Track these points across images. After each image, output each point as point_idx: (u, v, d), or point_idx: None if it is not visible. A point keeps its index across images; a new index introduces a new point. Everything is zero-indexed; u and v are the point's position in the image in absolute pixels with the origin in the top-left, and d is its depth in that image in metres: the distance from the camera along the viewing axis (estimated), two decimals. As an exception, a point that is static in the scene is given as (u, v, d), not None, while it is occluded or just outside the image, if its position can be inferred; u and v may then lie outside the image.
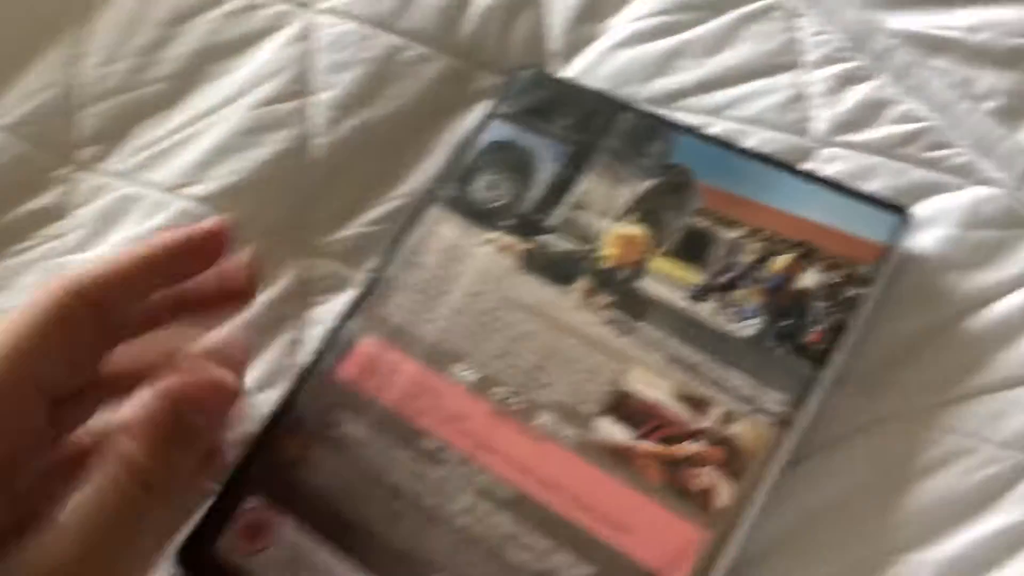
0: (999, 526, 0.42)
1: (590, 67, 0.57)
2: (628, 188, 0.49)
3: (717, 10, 0.57)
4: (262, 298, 0.52)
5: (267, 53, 0.61)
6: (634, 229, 0.48)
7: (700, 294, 0.46)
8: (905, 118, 0.51)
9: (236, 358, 0.43)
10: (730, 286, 0.46)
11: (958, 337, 0.46)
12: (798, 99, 0.53)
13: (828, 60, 0.53)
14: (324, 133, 0.57)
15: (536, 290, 0.48)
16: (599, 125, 0.51)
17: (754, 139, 0.52)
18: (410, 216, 0.51)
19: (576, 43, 0.59)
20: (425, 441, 0.45)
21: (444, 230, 0.50)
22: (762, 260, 0.46)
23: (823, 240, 0.46)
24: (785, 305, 0.45)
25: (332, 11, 0.61)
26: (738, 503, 0.42)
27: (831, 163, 0.51)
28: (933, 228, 0.48)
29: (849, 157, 0.51)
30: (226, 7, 0.63)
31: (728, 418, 0.43)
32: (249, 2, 0.63)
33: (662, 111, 0.53)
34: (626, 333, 0.46)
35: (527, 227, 0.49)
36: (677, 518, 0.42)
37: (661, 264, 0.47)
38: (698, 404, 0.44)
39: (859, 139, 0.51)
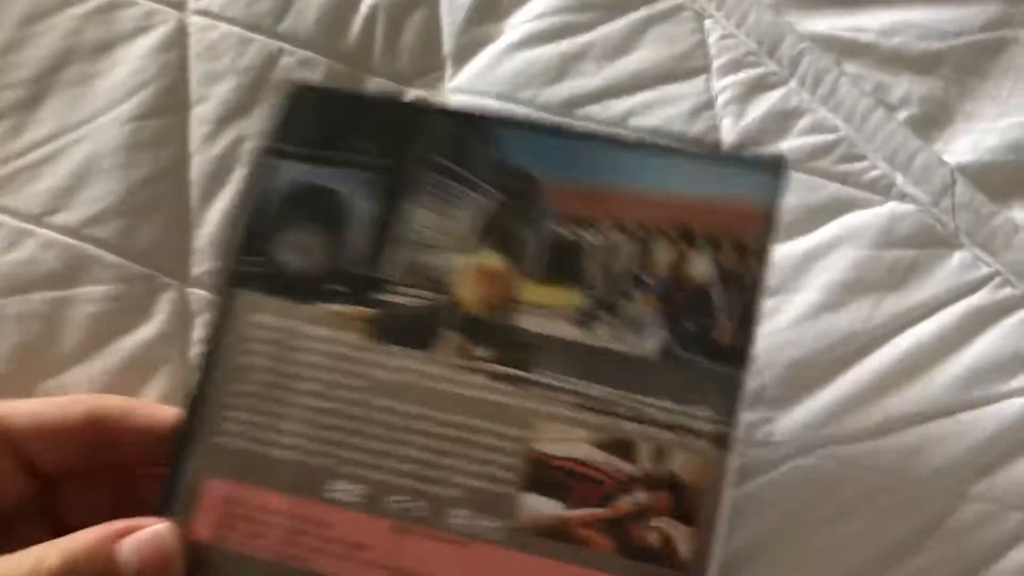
0: (921, 566, 0.40)
1: (483, 71, 0.53)
2: (465, 210, 0.41)
3: (620, 10, 0.53)
4: (140, 334, 0.47)
5: (136, 59, 0.56)
6: (489, 259, 0.41)
7: (587, 318, 0.39)
8: (817, 128, 0.48)
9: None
10: (617, 301, 0.40)
11: (871, 368, 0.44)
12: (706, 107, 0.50)
13: (736, 65, 0.50)
14: (201, 150, 0.52)
15: (396, 364, 0.39)
16: (405, 139, 0.42)
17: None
18: (215, 312, 0.41)
19: (470, 45, 0.55)
20: None
21: (261, 318, 0.40)
22: (643, 261, 0.40)
23: (700, 218, 0.40)
24: (683, 306, 0.39)
25: (206, 12, 0.56)
26: (701, 546, 0.36)
27: (741, 177, 0.48)
28: (841, 249, 0.45)
29: (759, 171, 0.48)
30: (89, 4, 0.58)
31: (660, 455, 0.37)
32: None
33: (487, 105, 0.47)
34: (519, 386, 0.38)
35: (359, 288, 0.41)
36: None
37: (533, 293, 0.40)
38: (623, 448, 0.38)
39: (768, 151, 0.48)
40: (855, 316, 0.44)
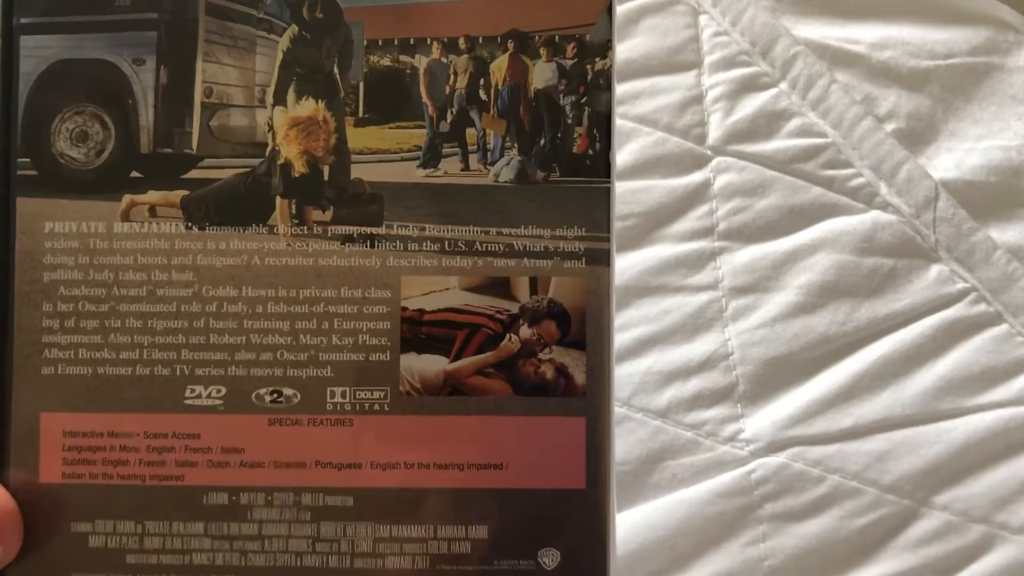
0: (878, 574, 0.40)
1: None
2: (260, 55, 0.36)
3: (615, -2, 0.53)
4: None
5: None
6: (304, 106, 0.36)
7: (429, 155, 0.35)
8: (804, 132, 0.48)
9: None
10: (459, 128, 0.36)
11: (844, 372, 0.43)
12: (695, 101, 0.49)
13: (728, 63, 0.50)
14: None
15: (226, 247, 0.35)
16: None
17: (646, 139, 0.48)
18: None
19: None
20: (211, 497, 0.35)
21: (58, 225, 0.35)
22: (478, 76, 0.36)
23: (531, 17, 0.35)
24: (532, 121, 0.35)
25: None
26: (595, 367, 0.35)
27: (724, 173, 0.47)
28: (822, 252, 0.45)
29: (744, 169, 0.47)
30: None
31: (538, 285, 0.35)
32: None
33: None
34: (372, 245, 0.35)
35: (165, 168, 0.35)
36: (544, 421, 0.35)
37: (362, 138, 0.35)
38: (498, 286, 0.35)
39: (754, 150, 0.48)
40: (831, 319, 0.44)
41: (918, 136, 0.48)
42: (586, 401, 0.34)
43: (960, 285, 0.44)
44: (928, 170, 0.47)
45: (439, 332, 0.35)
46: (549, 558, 0.34)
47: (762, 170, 0.47)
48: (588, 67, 0.35)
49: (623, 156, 0.48)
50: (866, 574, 0.40)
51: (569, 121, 0.35)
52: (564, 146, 0.35)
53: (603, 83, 0.35)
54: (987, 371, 0.43)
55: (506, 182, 0.35)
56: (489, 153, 0.36)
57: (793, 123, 0.48)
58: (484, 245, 0.35)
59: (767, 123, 0.48)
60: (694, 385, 0.43)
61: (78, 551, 0.34)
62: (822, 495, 0.41)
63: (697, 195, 0.47)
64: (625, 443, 0.42)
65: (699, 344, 0.44)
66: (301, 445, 0.34)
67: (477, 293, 0.35)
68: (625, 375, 0.44)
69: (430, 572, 0.34)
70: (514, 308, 0.35)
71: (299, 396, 0.35)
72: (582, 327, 0.35)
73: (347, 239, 0.35)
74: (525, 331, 0.35)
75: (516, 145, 0.36)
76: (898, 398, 0.42)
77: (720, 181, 0.47)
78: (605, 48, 0.36)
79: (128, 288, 0.35)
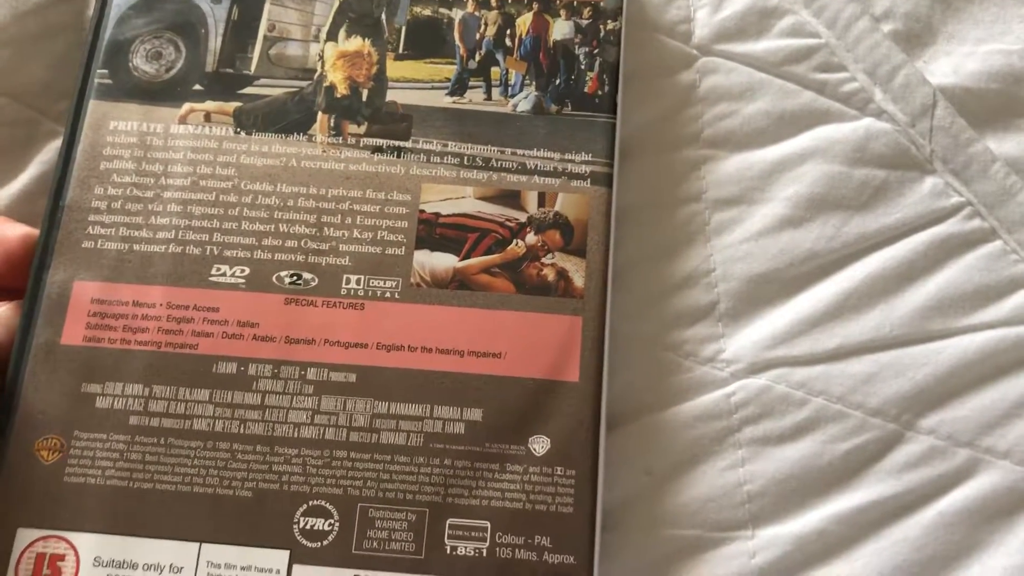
0: (863, 501, 0.38)
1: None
2: (320, 1, 0.42)
3: None
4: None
5: None
6: (351, 43, 0.42)
7: (457, 86, 0.41)
8: (796, 32, 0.45)
9: None
10: (485, 66, 0.41)
11: (831, 290, 0.41)
12: (680, -4, 0.46)
13: (717, -46, 0.46)
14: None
15: (268, 149, 0.40)
16: None
17: (629, 39, 0.44)
18: (69, 124, 0.40)
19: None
20: (220, 366, 0.37)
21: (120, 124, 0.40)
22: (505, 27, 0.42)
23: None
24: (549, 65, 0.42)
25: None
26: (593, 273, 0.39)
27: (711, 75, 0.44)
28: (812, 162, 0.43)
29: (733, 71, 0.44)
30: None
31: (545, 199, 0.40)
32: None
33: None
34: (398, 156, 0.39)
35: (224, 84, 0.41)
36: (543, 317, 0.38)
37: (400, 69, 0.41)
38: (509, 198, 0.40)
39: (743, 50, 0.44)
40: (819, 234, 0.42)
41: (916, 38, 0.45)
42: (584, 303, 0.38)
43: (955, 199, 0.42)
44: (925, 75, 0.44)
45: (452, 234, 0.39)
46: (539, 445, 0.36)
47: (751, 72, 0.44)
48: (601, 26, 0.42)
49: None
50: (848, 499, 0.38)
51: (582, 67, 0.42)
52: (577, 87, 0.41)
53: (613, 39, 0.42)
54: (980, 290, 0.41)
55: (523, 112, 0.41)
56: (510, 88, 0.41)
57: (785, 21, 0.45)
58: (499, 162, 0.40)
59: (757, 21, 0.45)
60: (675, 303, 0.41)
61: (84, 410, 0.36)
62: (805, 418, 0.39)
63: (682, 99, 0.44)
64: (601, 363, 0.40)
65: (681, 260, 0.42)
66: (313, 324, 0.37)
67: (490, 203, 0.40)
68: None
69: (423, 449, 0.36)
70: (522, 217, 0.39)
71: (317, 280, 0.38)
72: (584, 238, 0.39)
73: (376, 150, 0.40)
74: (531, 238, 0.39)
75: (534, 83, 0.41)
76: (887, 318, 0.41)
77: (706, 83, 0.44)
78: (617, 12, 0.43)
79: (174, 179, 0.39)
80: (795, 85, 0.44)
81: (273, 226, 0.38)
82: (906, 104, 0.43)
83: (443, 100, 0.41)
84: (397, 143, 0.40)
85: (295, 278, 0.38)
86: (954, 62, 0.44)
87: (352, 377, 0.36)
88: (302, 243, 0.38)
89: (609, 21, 0.42)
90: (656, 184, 0.43)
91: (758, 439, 0.39)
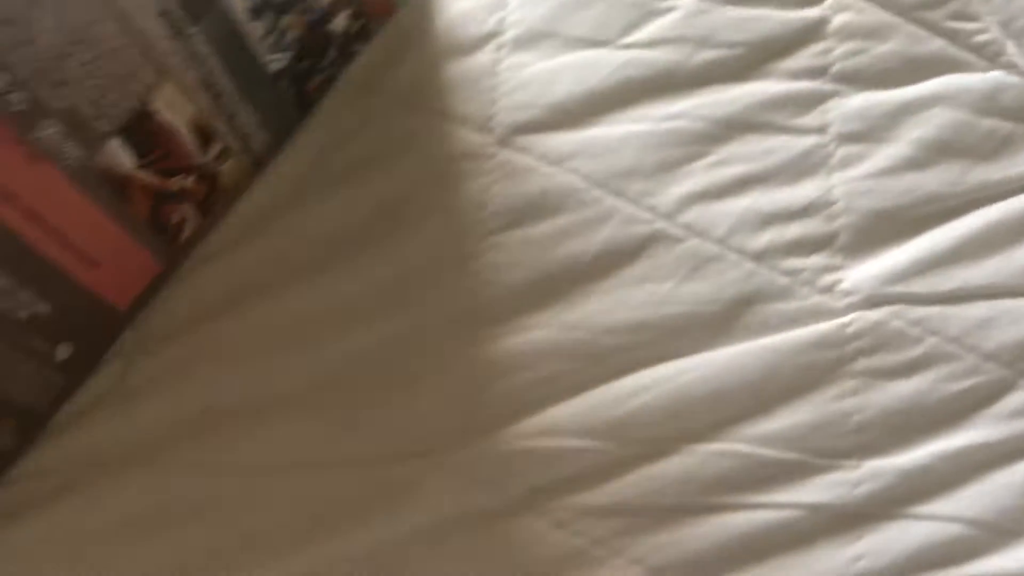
0: (971, 442, 0.38)
1: None
2: None
3: None
4: None
5: None
6: None
7: (259, 8, 0.38)
8: (932, -24, 0.44)
9: None
10: (284, 8, 0.39)
11: (951, 234, 0.41)
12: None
13: None
14: None
15: None
16: None
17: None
18: None
19: None
20: None
21: None
22: None
23: None
24: (313, 45, 0.41)
25: None
26: (201, 233, 0.40)
27: (843, 12, 0.44)
28: (939, 107, 0.42)
29: (864, 10, 0.44)
30: None
31: (224, 155, 0.39)
32: None
33: None
34: (176, 35, 0.35)
35: None
36: (144, 251, 0.38)
37: None
38: (207, 137, 0.39)
39: (877, -8, 0.44)
40: (943, 178, 0.42)
41: (1050, -4, 0.45)
42: (175, 255, 0.40)
43: (1081, 157, 0.42)
44: (1056, 35, 0.44)
45: (150, 139, 0.37)
46: (63, 350, 0.37)
47: (883, 13, 0.44)
48: (355, 44, 0.43)
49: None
50: (955, 439, 0.38)
51: (322, 67, 0.42)
52: (308, 79, 0.42)
53: (350, 61, 0.43)
54: (1099, 248, 0.41)
55: (271, 70, 0.40)
56: (282, 41, 0.40)
57: (921, -36, 0.45)
58: (227, 99, 0.39)
59: (894, -35, 0.45)
60: (794, 230, 0.41)
61: None
62: (919, 355, 0.39)
63: (813, 32, 0.44)
64: (717, 282, 0.40)
65: (802, 188, 0.41)
66: None
67: (193, 132, 0.38)
68: (722, 212, 0.41)
69: None
70: (199, 160, 0.39)
71: (24, 106, 0.32)
72: (215, 203, 0.40)
73: (165, 13, 0.35)
74: (191, 181, 0.39)
75: (295, 52, 0.41)
76: (1005, 266, 0.40)
77: (838, 20, 0.44)
78: (368, 36, 0.43)
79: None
80: (926, 31, 0.44)
81: (21, 18, 0.31)
82: (1038, 60, 0.43)
83: (240, 13, 0.38)
84: (185, 23, 0.36)
85: (8, 89, 0.31)
86: (1085, 25, 0.44)
87: None
88: (38, 59, 0.32)
89: (362, 42, 0.43)
90: (775, 104, 0.42)
91: (871, 371, 0.39)
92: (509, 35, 0.44)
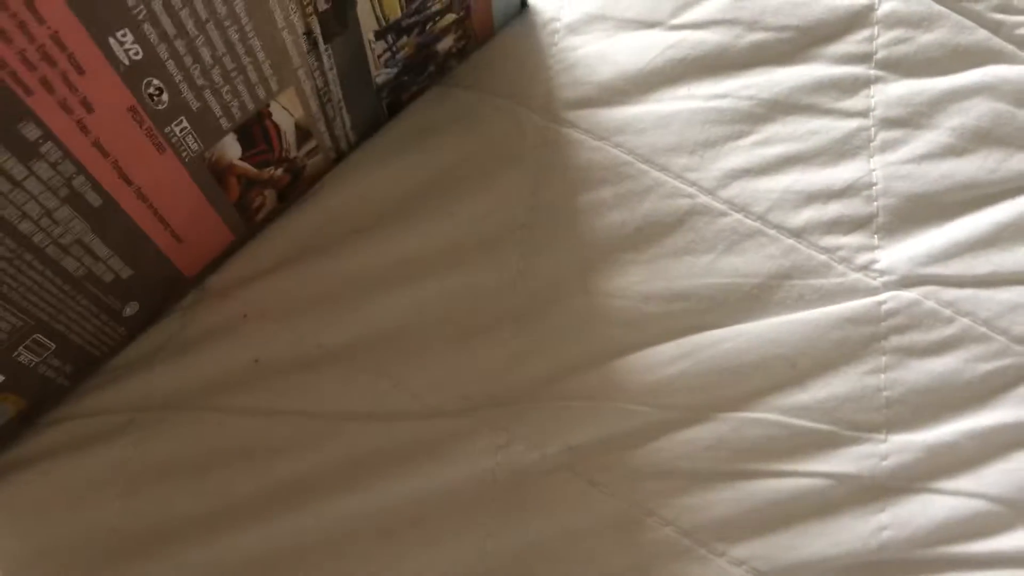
0: (997, 422, 0.39)
1: None
2: None
3: None
4: None
5: None
6: None
7: (384, 31, 0.40)
8: (978, -28, 0.45)
9: None
10: (407, 30, 0.41)
11: (987, 220, 0.42)
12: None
13: None
14: None
15: None
16: None
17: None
18: None
19: None
20: (26, 128, 0.31)
21: None
22: (439, 13, 0.42)
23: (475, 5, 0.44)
24: (417, 62, 0.43)
25: None
26: (267, 217, 0.42)
27: (886, 1, 0.45)
28: (980, 97, 0.43)
29: (911, -1, 0.45)
30: None
31: (313, 152, 0.42)
32: None
33: None
34: (310, 51, 0.38)
35: None
36: (224, 229, 0.41)
37: None
38: (305, 136, 0.41)
39: (921, -16, 0.45)
40: (981, 165, 0.43)
41: (1094, -5, 0.46)
42: (250, 231, 0.41)
43: (1117, 151, 0.43)
44: (1097, 32, 0.45)
45: (260, 134, 0.39)
46: (130, 308, 0.40)
47: (929, 2, 0.45)
48: (450, 62, 0.45)
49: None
50: (983, 418, 0.39)
51: (418, 80, 0.45)
52: (403, 91, 0.44)
53: (441, 76, 0.45)
54: None
55: (376, 83, 0.42)
56: (394, 59, 0.42)
57: (968, -40, 0.46)
58: (331, 108, 0.41)
59: (941, -45, 0.46)
60: (833, 209, 0.42)
61: None
62: (950, 335, 0.40)
63: (859, 18, 0.45)
64: (755, 257, 0.41)
65: (843, 170, 0.42)
66: (123, 141, 0.34)
67: (296, 130, 0.40)
68: (763, 189, 0.42)
69: None
70: (292, 155, 0.41)
71: (165, 106, 0.35)
72: (297, 192, 0.43)
73: (309, 33, 0.37)
74: (280, 171, 0.41)
75: (400, 68, 0.43)
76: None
77: (885, 7, 0.45)
78: (464, 56, 0.45)
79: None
80: (971, 22, 0.45)
81: (188, 28, 0.33)
82: (1080, 54, 0.44)
83: (369, 33, 0.40)
84: (317, 41, 0.38)
85: (158, 92, 0.34)
86: (1126, 24, 0.45)
87: (96, 203, 0.35)
88: (195, 63, 0.34)
89: (457, 60, 0.45)
90: (820, 87, 0.43)
91: (903, 349, 0.40)
92: (565, 20, 0.45)
